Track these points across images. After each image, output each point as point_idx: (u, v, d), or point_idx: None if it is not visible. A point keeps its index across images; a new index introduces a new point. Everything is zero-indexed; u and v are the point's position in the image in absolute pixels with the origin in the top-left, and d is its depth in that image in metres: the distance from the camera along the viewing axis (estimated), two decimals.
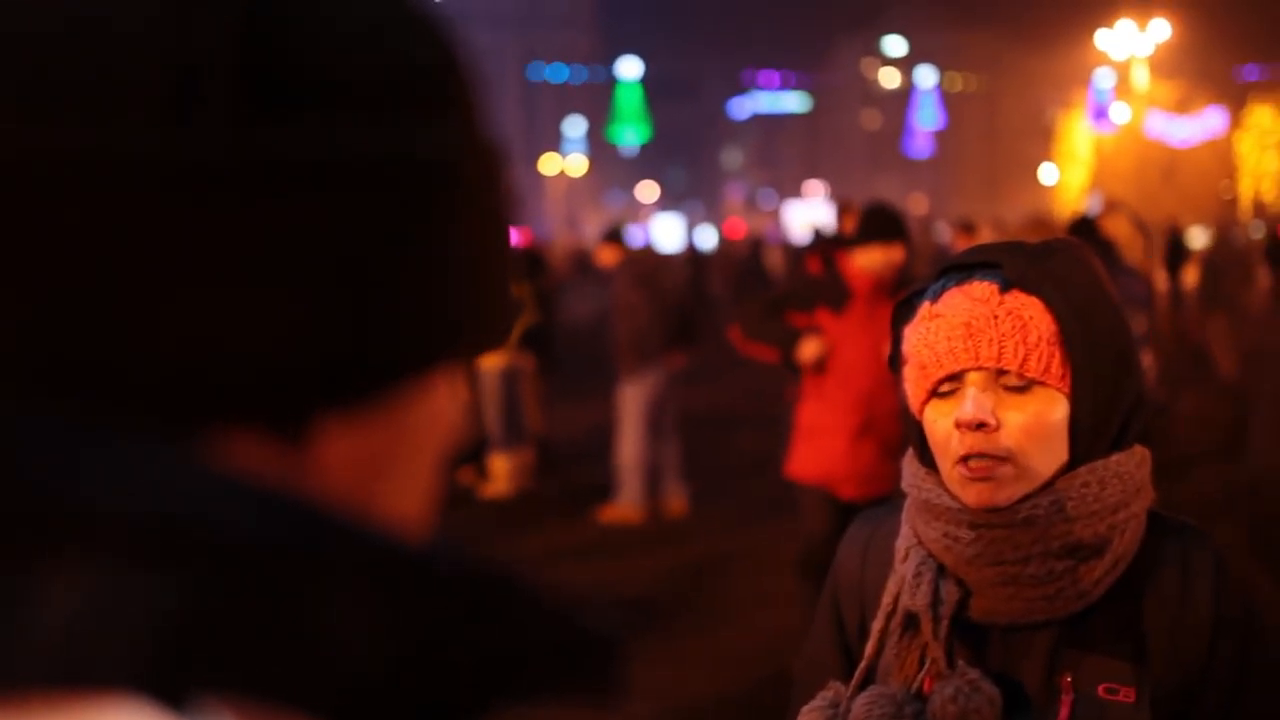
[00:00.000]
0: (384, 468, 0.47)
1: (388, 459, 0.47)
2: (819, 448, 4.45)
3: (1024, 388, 1.18)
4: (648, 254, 7.76)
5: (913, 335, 1.24)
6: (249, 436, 0.42)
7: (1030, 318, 1.18)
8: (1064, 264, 1.21)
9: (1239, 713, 1.18)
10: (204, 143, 0.41)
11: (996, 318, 1.18)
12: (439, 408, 0.49)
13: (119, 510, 0.37)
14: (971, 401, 1.18)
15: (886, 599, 1.27)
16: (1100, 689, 1.18)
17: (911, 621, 1.24)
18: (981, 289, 1.20)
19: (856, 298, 4.44)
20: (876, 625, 1.27)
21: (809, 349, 4.44)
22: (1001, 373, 1.19)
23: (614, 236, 7.85)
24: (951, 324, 1.20)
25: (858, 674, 1.28)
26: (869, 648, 1.28)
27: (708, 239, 41.28)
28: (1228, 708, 1.18)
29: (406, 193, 0.45)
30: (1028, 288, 1.19)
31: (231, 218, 0.41)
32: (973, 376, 1.20)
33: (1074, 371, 1.18)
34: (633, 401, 7.03)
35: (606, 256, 7.71)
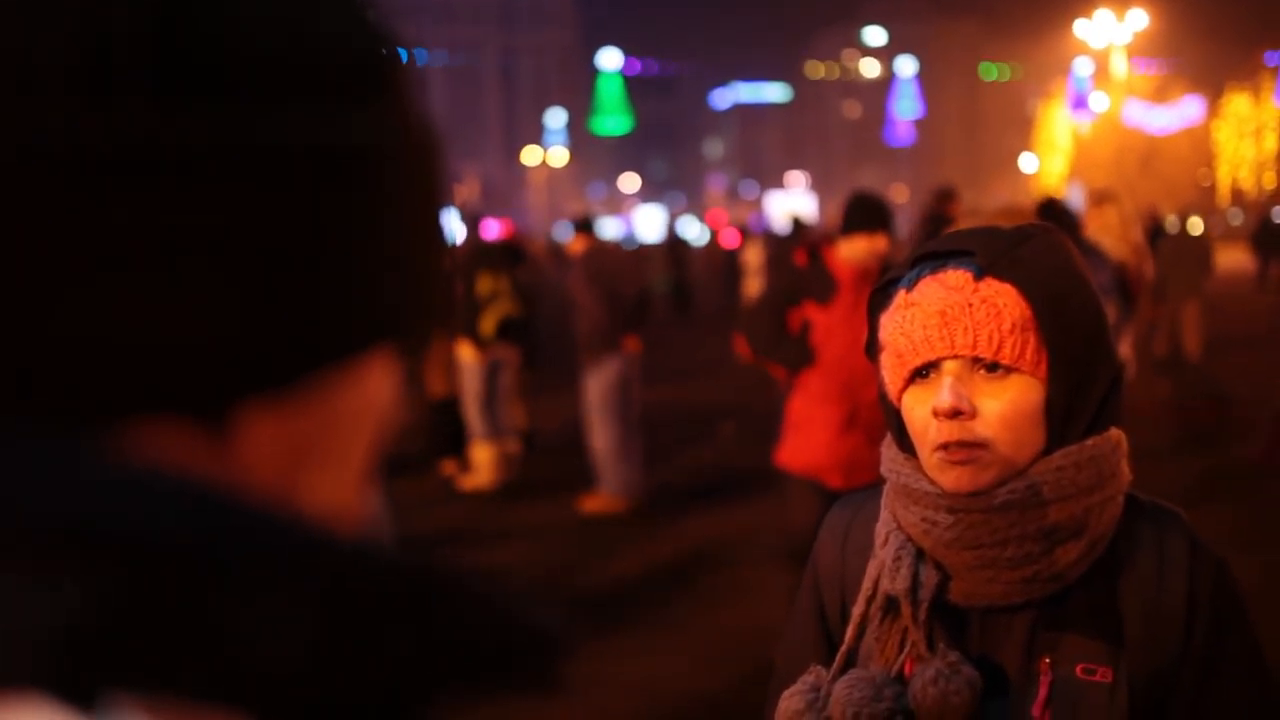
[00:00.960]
0: (311, 457, 0.46)
1: (315, 448, 0.46)
2: (807, 438, 4.47)
3: (999, 374, 1.20)
4: (603, 246, 7.78)
5: (889, 323, 1.26)
6: (167, 427, 0.41)
7: (1004, 305, 1.19)
8: (1037, 250, 1.23)
9: (1214, 691, 1.20)
10: (114, 127, 0.39)
11: (971, 305, 1.20)
12: (371, 395, 0.48)
13: (25, 509, 0.36)
14: (947, 390, 1.20)
15: (866, 583, 1.28)
16: (1078, 669, 1.20)
17: (891, 605, 1.26)
18: (956, 277, 1.21)
19: (842, 289, 4.45)
20: (857, 610, 1.29)
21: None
22: (977, 360, 1.20)
23: (584, 227, 7.82)
24: (927, 312, 1.21)
25: (838, 658, 1.29)
26: (849, 632, 1.29)
27: (690, 230, 41.30)
28: (1203, 686, 1.20)
29: (330, 179, 0.44)
30: (1001, 274, 1.20)
31: (144, 204, 0.40)
32: (948, 364, 1.21)
33: (1049, 357, 1.19)
34: (597, 391, 7.05)
35: (577, 246, 7.71)
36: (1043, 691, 1.20)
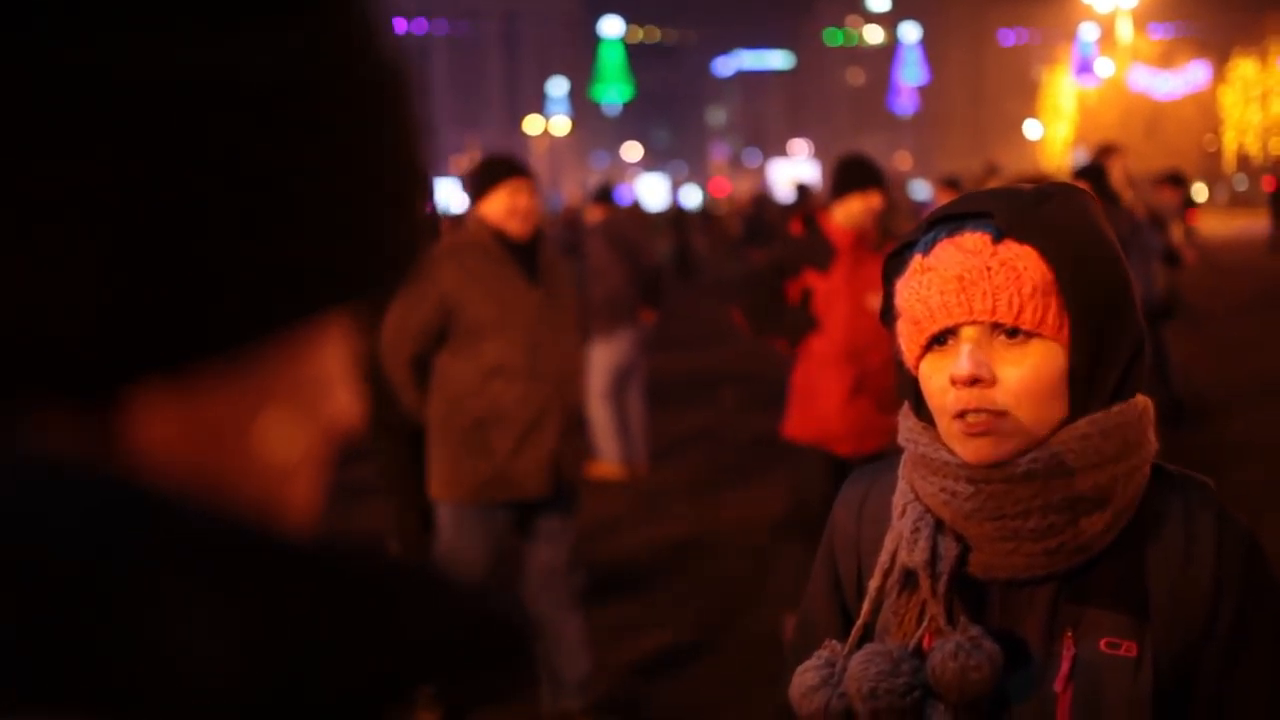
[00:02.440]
0: (234, 440, 0.40)
1: (237, 430, 0.40)
2: (813, 406, 4.43)
3: (1020, 340, 1.16)
4: (623, 214, 7.79)
5: (905, 289, 1.22)
6: (51, 410, 0.36)
7: (1024, 268, 1.15)
8: (1058, 210, 1.19)
9: (1242, 667, 1.17)
10: None
11: (990, 269, 1.16)
12: (318, 368, 0.42)
13: None
14: (966, 357, 1.16)
15: (884, 556, 1.25)
16: (1102, 644, 1.17)
17: (910, 578, 1.22)
18: (974, 240, 1.17)
19: (841, 254, 4.40)
20: (874, 583, 1.25)
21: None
22: (996, 325, 1.16)
23: (603, 196, 7.81)
24: (944, 277, 1.17)
25: (854, 632, 1.26)
26: (866, 605, 1.26)
27: (693, 198, 41.17)
28: (1230, 661, 1.17)
29: (237, 114, 0.37)
30: (1021, 236, 1.16)
31: (13, 146, 0.34)
32: (967, 331, 1.17)
33: (1071, 321, 1.16)
34: (600, 363, 7.01)
35: (594, 215, 7.72)
36: (1065, 666, 1.17)
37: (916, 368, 1.23)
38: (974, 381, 1.15)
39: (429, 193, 0.45)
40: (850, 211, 4.41)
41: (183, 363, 0.37)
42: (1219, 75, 38.55)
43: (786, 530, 4.81)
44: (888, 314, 1.27)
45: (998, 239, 1.16)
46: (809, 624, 1.37)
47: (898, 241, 1.26)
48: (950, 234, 1.19)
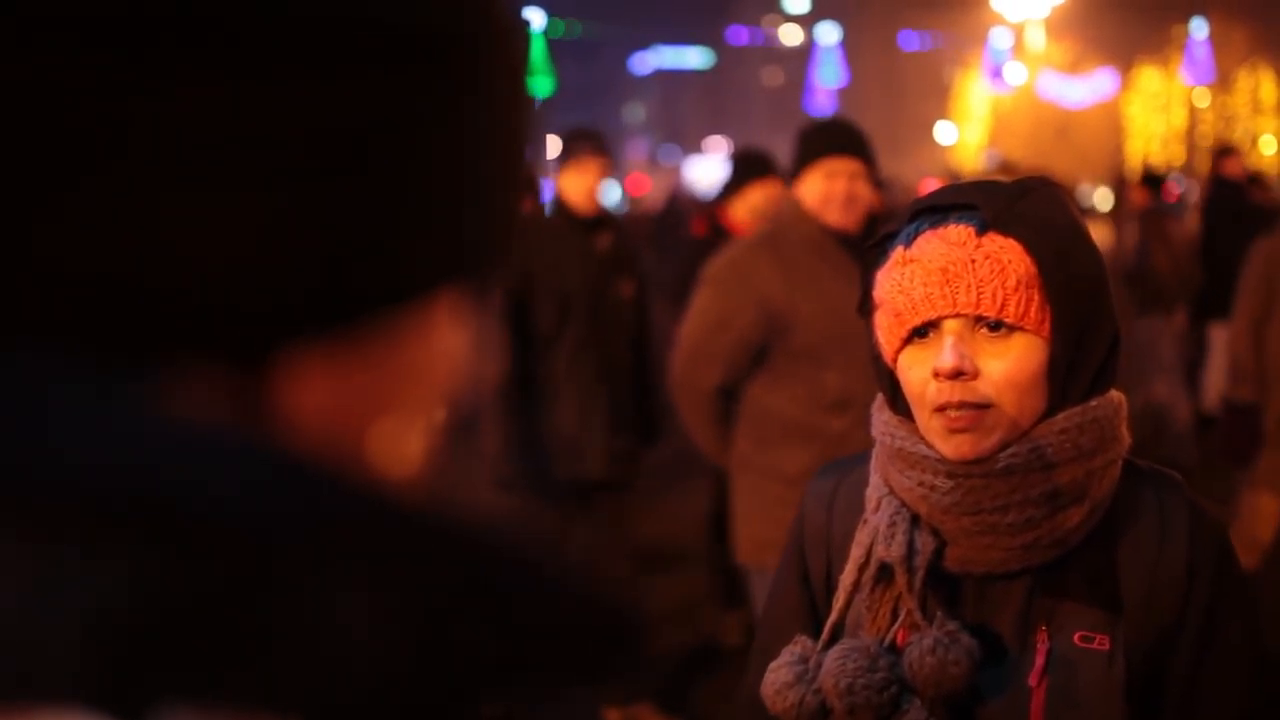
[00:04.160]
0: (372, 412, 0.39)
1: (377, 401, 0.39)
2: None
3: (1002, 334, 1.16)
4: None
5: (886, 281, 1.21)
6: (204, 372, 0.34)
7: (1009, 261, 1.15)
8: (1040, 204, 1.19)
9: (1212, 656, 1.18)
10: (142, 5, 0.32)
11: (974, 262, 1.15)
12: (441, 342, 0.41)
13: (57, 472, 0.29)
14: (950, 350, 1.15)
15: (858, 550, 1.24)
16: (1075, 637, 1.17)
17: (885, 573, 1.21)
18: (958, 232, 1.17)
19: None
20: (847, 577, 1.24)
21: None
22: (979, 319, 1.16)
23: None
24: (927, 269, 1.16)
25: (827, 628, 1.25)
26: (839, 600, 1.25)
27: (611, 195, 41.15)
28: (1201, 651, 1.18)
29: (406, 70, 0.36)
30: (1005, 229, 1.16)
31: (172, 99, 0.32)
32: (950, 324, 1.16)
33: (1053, 315, 1.15)
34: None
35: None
36: (1039, 660, 1.17)
37: (894, 360, 1.22)
38: (957, 374, 1.15)
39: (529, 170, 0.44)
40: (750, 204, 4.40)
41: (335, 326, 0.36)
42: (1125, 84, 39.54)
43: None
44: (865, 305, 1.26)
45: (982, 231, 1.16)
46: (777, 619, 1.36)
47: (881, 231, 1.25)
48: (933, 226, 1.18)
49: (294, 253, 0.34)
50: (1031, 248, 1.15)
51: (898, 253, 1.19)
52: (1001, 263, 1.14)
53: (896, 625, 1.20)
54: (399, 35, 0.36)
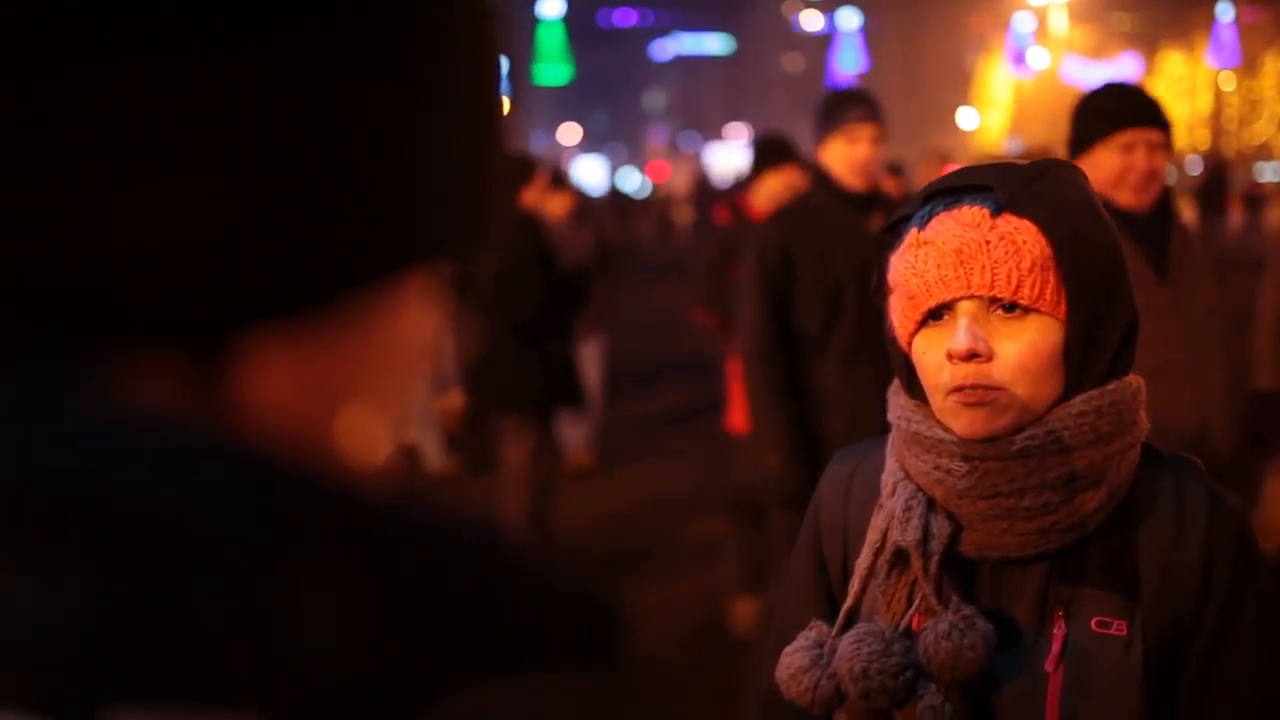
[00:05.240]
0: (338, 397, 0.37)
1: (343, 386, 0.37)
2: (739, 395, 4.40)
3: (1017, 315, 1.15)
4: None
5: (900, 263, 1.20)
6: (160, 360, 0.33)
7: (1024, 242, 1.14)
8: (1055, 185, 1.17)
9: (1232, 642, 1.17)
10: None
11: (989, 243, 1.14)
12: (407, 325, 0.39)
13: (4, 472, 0.28)
14: (964, 332, 1.14)
15: (873, 535, 1.23)
16: (1093, 622, 1.16)
17: (900, 558, 1.21)
18: (972, 213, 1.16)
19: None
20: (863, 562, 1.24)
21: None
22: (994, 300, 1.15)
23: (561, 182, 6.80)
24: (942, 251, 1.15)
25: (842, 613, 1.24)
26: (854, 585, 1.24)
27: (632, 181, 41.19)
28: (1220, 638, 1.17)
29: (360, 53, 0.35)
30: (1020, 210, 1.15)
31: (120, 86, 0.31)
32: (964, 305, 1.15)
33: (1069, 297, 1.14)
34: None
35: (556, 206, 6.52)
36: (1056, 645, 1.16)
37: (909, 344, 1.21)
38: (971, 356, 1.14)
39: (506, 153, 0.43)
40: (770, 190, 4.38)
41: (295, 311, 0.34)
42: (1149, 68, 39.21)
43: (726, 517, 4.79)
44: (880, 289, 1.25)
45: (996, 212, 1.15)
46: (792, 604, 1.35)
47: (895, 215, 1.24)
48: (948, 208, 1.17)
49: (249, 239, 0.33)
50: (1046, 229, 1.14)
51: (912, 235, 1.18)
52: (1016, 244, 1.13)
53: (912, 610, 1.20)
54: (350, 20, 0.35)
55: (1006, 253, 1.13)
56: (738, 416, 4.46)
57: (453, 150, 0.38)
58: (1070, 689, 1.15)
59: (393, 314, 0.38)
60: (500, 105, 0.41)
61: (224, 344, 0.34)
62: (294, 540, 0.30)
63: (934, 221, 1.17)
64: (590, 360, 6.82)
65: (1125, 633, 1.15)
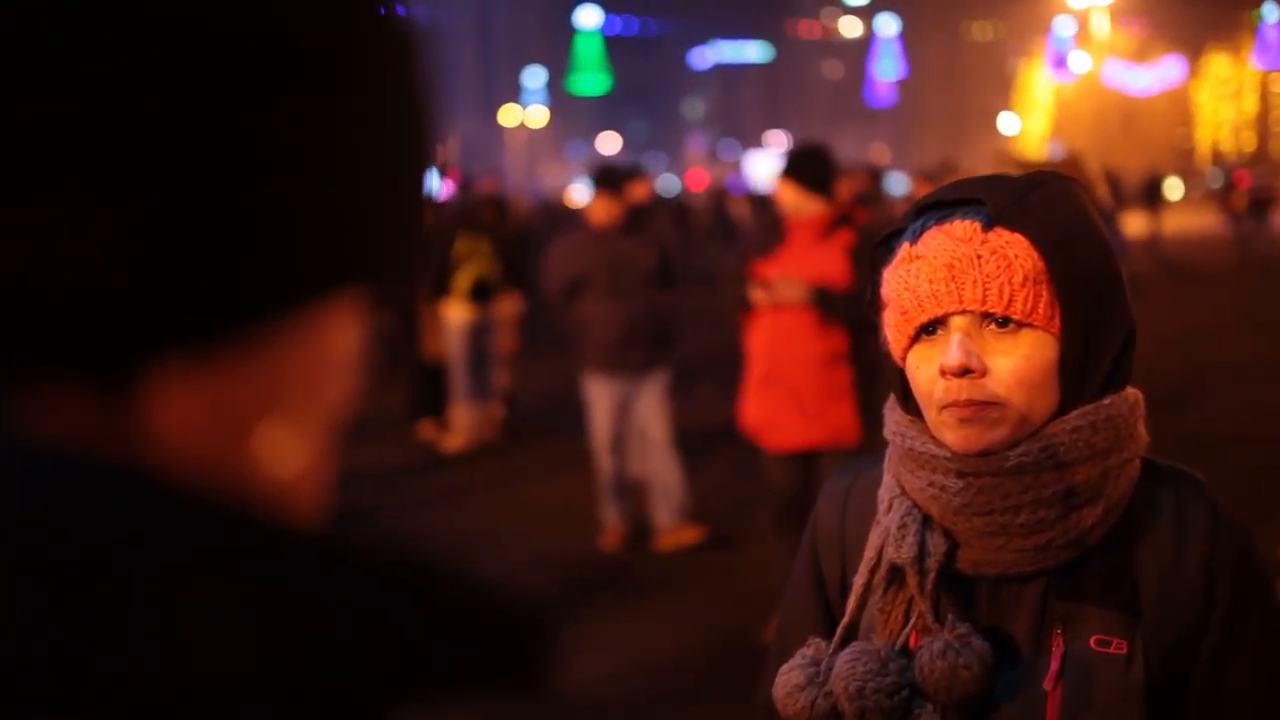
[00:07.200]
0: (252, 420, 0.37)
1: (257, 410, 0.37)
2: (744, 400, 4.43)
3: (1010, 330, 1.13)
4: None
5: (892, 278, 1.19)
6: (59, 393, 0.33)
7: (1015, 256, 1.13)
8: (1049, 198, 1.16)
9: (1235, 661, 1.15)
10: None
11: (980, 257, 1.13)
12: (332, 348, 0.39)
13: None
14: (956, 347, 1.13)
15: (869, 552, 1.22)
16: (1092, 641, 1.14)
17: (896, 575, 1.19)
18: (963, 228, 1.14)
19: (788, 237, 4.33)
20: (859, 580, 1.22)
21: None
22: (987, 315, 1.13)
23: (609, 183, 5.78)
24: (933, 265, 1.14)
25: (839, 630, 1.23)
26: (850, 603, 1.23)
27: (671, 190, 41.25)
28: (1223, 657, 1.14)
29: (269, 76, 0.34)
30: (1011, 224, 1.13)
31: (15, 107, 0.31)
32: (957, 320, 1.14)
33: (1062, 311, 1.13)
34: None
35: (600, 211, 5.65)
36: (1054, 664, 1.15)
37: (904, 359, 1.20)
38: (964, 372, 1.12)
39: (436, 178, 0.42)
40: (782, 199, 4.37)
41: (204, 339, 0.34)
42: (1193, 71, 38.74)
43: (756, 520, 4.77)
44: (874, 304, 1.24)
45: (988, 226, 1.13)
46: (792, 622, 1.34)
47: (887, 229, 1.23)
48: (939, 222, 1.16)
49: (154, 268, 0.33)
50: (1039, 242, 1.12)
51: (904, 249, 1.17)
52: (1008, 258, 1.12)
53: (909, 628, 1.18)
54: (263, 42, 0.35)
55: (998, 267, 1.12)
56: (749, 416, 4.45)
57: (375, 174, 0.38)
58: (1069, 708, 1.14)
59: (314, 336, 0.38)
60: (427, 128, 0.41)
61: (131, 373, 0.34)
62: (191, 568, 0.30)
63: (926, 236, 1.16)
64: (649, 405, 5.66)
65: (1125, 651, 1.13)
